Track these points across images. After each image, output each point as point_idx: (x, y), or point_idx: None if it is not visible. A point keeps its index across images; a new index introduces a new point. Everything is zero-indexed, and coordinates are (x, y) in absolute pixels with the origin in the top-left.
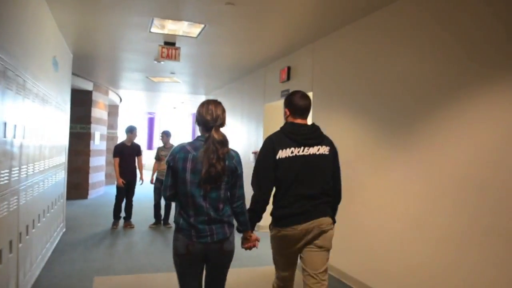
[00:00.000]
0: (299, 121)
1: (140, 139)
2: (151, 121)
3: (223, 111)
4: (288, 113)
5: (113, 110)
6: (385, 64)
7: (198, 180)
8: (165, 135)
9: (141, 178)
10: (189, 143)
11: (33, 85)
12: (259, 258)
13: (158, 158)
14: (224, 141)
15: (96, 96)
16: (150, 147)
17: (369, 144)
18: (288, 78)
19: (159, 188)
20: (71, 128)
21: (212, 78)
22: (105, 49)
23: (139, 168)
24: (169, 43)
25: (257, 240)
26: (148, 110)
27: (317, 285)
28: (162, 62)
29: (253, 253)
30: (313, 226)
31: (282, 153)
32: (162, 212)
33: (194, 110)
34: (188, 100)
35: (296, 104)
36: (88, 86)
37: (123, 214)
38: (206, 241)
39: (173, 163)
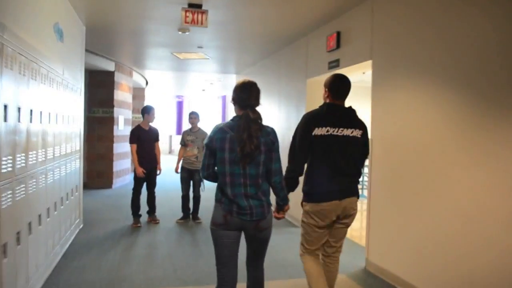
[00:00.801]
0: (337, 102)
1: (169, 124)
2: (179, 105)
3: (258, 91)
4: (327, 93)
5: (138, 93)
6: (484, 20)
7: (236, 158)
8: (195, 116)
9: (158, 167)
10: (225, 124)
11: (20, 52)
12: None
13: (183, 143)
14: (256, 119)
15: (118, 77)
16: (179, 131)
17: (461, 127)
18: (338, 45)
19: (186, 178)
20: (93, 112)
21: (244, 53)
22: (121, 18)
23: (157, 156)
24: (194, 5)
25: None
26: (176, 94)
27: (336, 253)
28: (187, 33)
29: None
30: (346, 204)
31: (318, 131)
32: (191, 205)
33: (224, 92)
34: (217, 81)
35: (337, 87)
36: (109, 66)
37: (144, 209)
38: (245, 218)
39: (211, 144)
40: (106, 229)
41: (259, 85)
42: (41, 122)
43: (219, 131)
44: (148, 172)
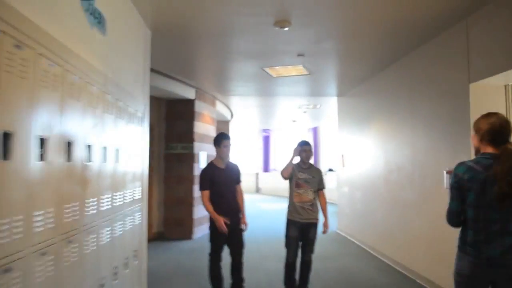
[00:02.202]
0: None
1: (255, 161)
2: (266, 140)
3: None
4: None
5: (223, 127)
6: None
7: (491, 201)
8: (309, 148)
9: (243, 221)
10: (475, 162)
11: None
12: None
13: (293, 183)
14: None
15: (199, 106)
16: (266, 169)
17: None
18: None
19: (297, 237)
20: (170, 148)
21: (356, 60)
22: (199, 13)
23: (239, 204)
24: None
25: None
26: (262, 127)
27: None
28: (286, 29)
29: None
30: None
31: None
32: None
33: (316, 122)
34: (313, 107)
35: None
36: (188, 93)
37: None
38: (497, 271)
39: (462, 184)
40: None
41: (370, 104)
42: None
43: (469, 169)
44: (231, 229)
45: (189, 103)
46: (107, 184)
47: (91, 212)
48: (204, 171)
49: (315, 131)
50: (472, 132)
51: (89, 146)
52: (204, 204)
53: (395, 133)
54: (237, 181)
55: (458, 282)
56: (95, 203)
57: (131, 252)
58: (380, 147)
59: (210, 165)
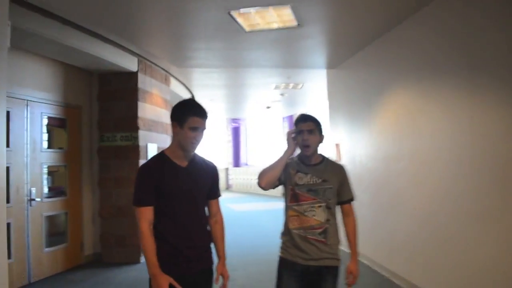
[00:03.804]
0: None
1: (224, 155)
2: (236, 132)
3: None
4: None
5: None
6: None
7: None
8: (312, 126)
9: (220, 269)
10: None
11: None
12: None
13: (288, 193)
14: None
15: (145, 82)
16: (237, 163)
17: None
18: None
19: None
20: (106, 140)
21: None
22: None
23: (215, 238)
24: None
25: None
26: (231, 116)
27: None
28: None
29: None
30: None
31: None
32: None
33: (291, 109)
34: (289, 90)
35: None
36: (129, 63)
37: None
38: None
39: None
40: None
41: (382, 73)
42: None
43: None
44: (192, 283)
45: (131, 77)
46: None
47: None
48: (144, 169)
49: (290, 120)
50: None
51: None
52: (140, 234)
53: (433, 108)
54: (213, 193)
55: None
56: None
57: None
58: (401, 131)
59: (159, 159)
